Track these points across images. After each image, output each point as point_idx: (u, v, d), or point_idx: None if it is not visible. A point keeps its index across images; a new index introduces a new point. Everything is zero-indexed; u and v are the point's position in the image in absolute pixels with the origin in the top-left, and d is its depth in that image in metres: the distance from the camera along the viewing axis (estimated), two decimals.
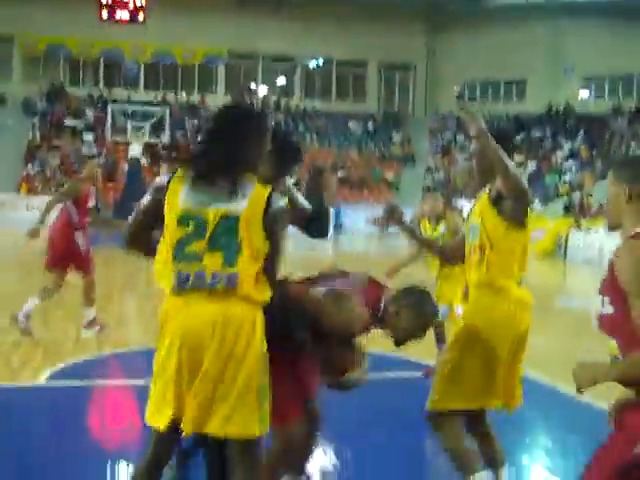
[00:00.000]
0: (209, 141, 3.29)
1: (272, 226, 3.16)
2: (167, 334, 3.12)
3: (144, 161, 31.18)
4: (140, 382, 6.51)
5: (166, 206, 3.16)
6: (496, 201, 3.92)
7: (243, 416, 3.07)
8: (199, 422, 3.08)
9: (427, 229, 7.20)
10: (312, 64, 41.63)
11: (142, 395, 3.43)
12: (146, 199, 3.43)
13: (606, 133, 33.91)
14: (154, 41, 37.03)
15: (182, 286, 3.10)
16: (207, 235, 3.10)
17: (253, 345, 3.09)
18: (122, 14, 35.67)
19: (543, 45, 37.75)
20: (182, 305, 3.12)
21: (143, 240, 3.41)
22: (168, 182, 3.20)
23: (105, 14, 35.53)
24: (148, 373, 3.24)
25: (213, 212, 3.11)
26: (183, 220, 3.11)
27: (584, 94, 38.93)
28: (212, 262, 3.08)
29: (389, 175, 35.16)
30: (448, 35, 40.08)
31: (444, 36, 40.36)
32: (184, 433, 3.13)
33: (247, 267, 3.10)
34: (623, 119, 34.38)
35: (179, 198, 3.14)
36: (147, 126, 31.57)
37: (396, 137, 38.66)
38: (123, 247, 3.43)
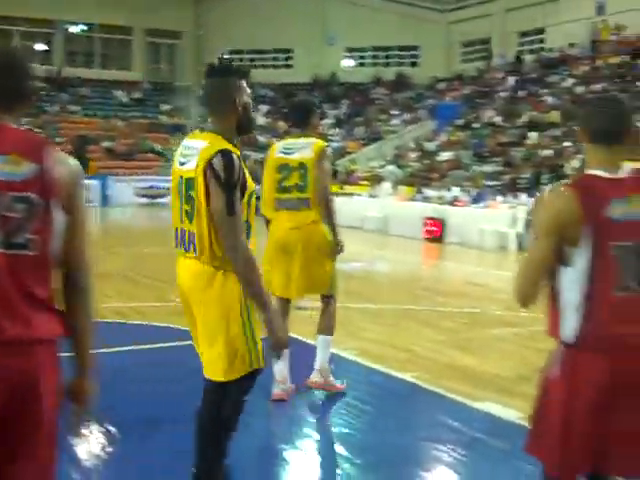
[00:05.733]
0: None
1: None
2: None
3: None
4: None
5: None
6: None
7: None
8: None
9: None
10: (74, 29, 39.79)
11: None
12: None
13: (368, 101, 35.41)
14: None
15: None
16: None
17: None
18: None
19: (308, 16, 38.46)
20: None
21: None
22: None
23: None
24: None
25: None
26: None
27: (348, 63, 40.21)
28: None
29: (158, 145, 34.38)
30: (216, 3, 39.78)
31: (212, 4, 40.02)
32: None
33: None
34: (383, 88, 36.22)
35: None
36: None
37: (164, 106, 37.89)
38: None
